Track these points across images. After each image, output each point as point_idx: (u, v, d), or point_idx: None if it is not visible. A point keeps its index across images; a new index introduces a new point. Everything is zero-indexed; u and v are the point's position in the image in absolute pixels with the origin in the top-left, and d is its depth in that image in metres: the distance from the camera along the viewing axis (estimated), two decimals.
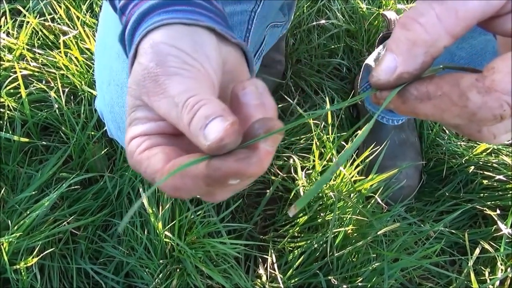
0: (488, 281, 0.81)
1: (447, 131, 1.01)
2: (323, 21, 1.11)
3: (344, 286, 0.77)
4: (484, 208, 0.90)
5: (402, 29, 0.23)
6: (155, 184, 0.25)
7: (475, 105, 0.21)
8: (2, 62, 0.88)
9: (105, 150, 0.85)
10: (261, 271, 0.81)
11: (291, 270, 0.79)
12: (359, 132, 0.93)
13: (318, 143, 0.87)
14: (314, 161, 0.88)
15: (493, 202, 0.90)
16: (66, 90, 0.88)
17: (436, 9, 0.22)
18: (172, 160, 0.26)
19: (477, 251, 0.81)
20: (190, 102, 0.25)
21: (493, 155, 0.96)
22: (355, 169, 0.84)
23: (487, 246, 0.83)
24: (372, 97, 0.26)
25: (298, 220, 0.84)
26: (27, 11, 0.95)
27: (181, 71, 0.26)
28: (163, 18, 0.29)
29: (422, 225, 0.88)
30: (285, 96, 1.00)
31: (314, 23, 1.10)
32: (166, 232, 0.75)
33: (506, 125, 0.24)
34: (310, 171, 0.89)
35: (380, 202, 0.83)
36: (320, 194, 0.85)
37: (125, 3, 0.33)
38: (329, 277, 0.78)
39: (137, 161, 0.27)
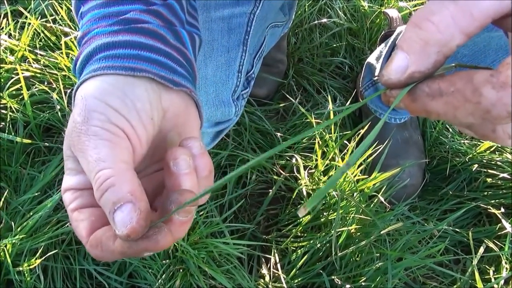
0: (493, 280, 0.80)
1: (450, 129, 1.00)
2: (324, 20, 1.10)
3: (348, 285, 0.77)
4: (488, 207, 0.89)
5: (415, 28, 0.22)
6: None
7: (489, 101, 0.20)
8: (4, 64, 0.88)
9: None
10: (264, 271, 0.81)
11: (294, 270, 0.79)
12: (362, 131, 0.93)
13: (320, 142, 0.87)
14: (316, 160, 0.87)
15: (497, 201, 0.90)
16: (68, 91, 0.88)
17: (450, 8, 0.21)
18: (95, 230, 0.28)
19: (481, 250, 0.80)
20: (100, 177, 0.26)
21: (497, 153, 0.95)
22: (357, 168, 0.83)
23: (491, 245, 0.83)
24: (382, 96, 0.26)
25: (301, 219, 0.84)
26: (28, 12, 0.95)
27: (101, 132, 0.27)
28: (100, 67, 0.29)
29: (425, 224, 0.88)
30: (287, 95, 1.00)
31: (316, 21, 1.10)
32: None
33: None
34: (313, 171, 0.88)
35: (383, 201, 0.82)
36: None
37: (81, 37, 0.33)
38: (333, 277, 0.78)
39: (70, 217, 0.29)
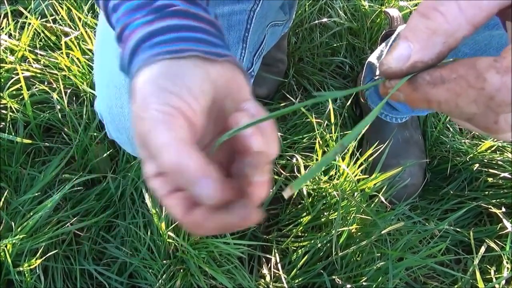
0: (494, 280, 0.80)
1: (451, 129, 1.00)
2: (325, 19, 1.10)
3: (349, 285, 0.77)
4: (489, 206, 0.89)
5: (421, 18, 0.22)
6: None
7: (493, 87, 0.20)
8: (4, 64, 0.88)
9: (108, 151, 0.85)
10: (264, 271, 0.81)
11: (295, 270, 0.79)
12: (363, 130, 0.93)
13: (321, 142, 0.87)
14: (317, 160, 0.87)
15: (498, 200, 0.90)
16: (68, 91, 0.88)
17: None
18: (190, 212, 0.29)
19: (483, 249, 0.80)
20: (165, 164, 0.27)
21: (497, 152, 0.95)
22: (358, 168, 0.83)
23: (492, 245, 0.83)
24: (380, 87, 0.25)
25: (301, 219, 0.84)
26: (28, 12, 0.95)
27: (158, 116, 0.28)
28: (146, 57, 0.31)
29: (426, 224, 0.87)
30: (287, 95, 0.99)
31: (316, 21, 1.10)
32: (170, 233, 0.75)
33: None
34: None
35: (384, 201, 0.82)
36: (324, 194, 0.84)
37: (121, 31, 0.34)
38: (333, 277, 0.77)
39: (162, 202, 0.30)
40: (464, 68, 0.21)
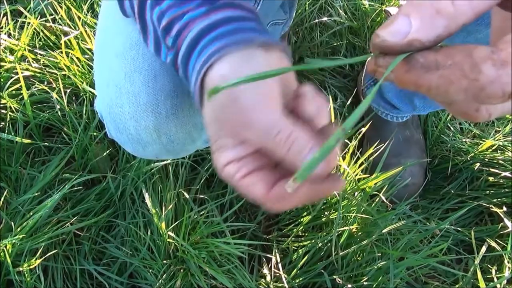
0: (495, 279, 0.80)
1: (451, 128, 1.00)
2: (325, 19, 1.10)
3: (349, 285, 0.77)
4: (490, 206, 0.89)
5: None
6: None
7: (487, 79, 0.19)
8: (3, 64, 0.88)
9: (107, 151, 0.84)
10: (265, 270, 0.81)
11: (295, 270, 0.79)
12: (364, 129, 0.92)
13: None
14: None
15: (499, 199, 0.89)
16: (68, 90, 0.87)
17: None
18: (271, 189, 0.30)
19: (484, 249, 0.80)
20: (282, 138, 0.28)
21: (498, 151, 0.95)
22: (359, 167, 0.83)
23: (493, 244, 0.82)
24: (368, 63, 0.24)
25: (302, 219, 0.84)
26: (28, 12, 0.95)
27: (256, 100, 0.29)
28: (218, 48, 0.31)
29: (427, 223, 0.87)
30: None
31: (316, 20, 1.10)
32: (170, 233, 0.75)
33: (506, 105, 0.23)
34: None
35: (384, 200, 0.82)
36: None
37: (169, 24, 0.34)
38: (334, 277, 0.77)
39: (239, 186, 0.31)
40: (460, 55, 0.20)
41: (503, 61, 0.19)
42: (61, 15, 0.95)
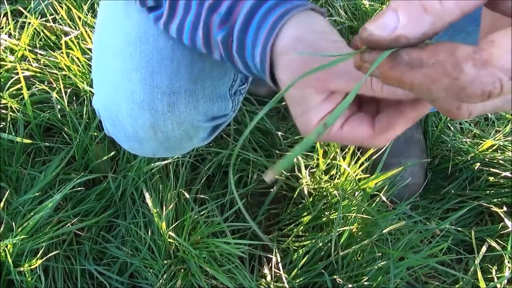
0: (496, 279, 0.80)
1: (452, 128, 1.00)
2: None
3: (350, 285, 0.77)
4: (491, 205, 0.89)
5: None
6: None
7: (467, 78, 0.19)
8: (4, 64, 0.88)
9: (108, 151, 0.85)
10: (265, 270, 0.81)
11: (295, 270, 0.79)
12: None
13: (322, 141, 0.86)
14: (318, 159, 0.87)
15: (499, 199, 0.89)
16: (68, 90, 0.87)
17: None
18: (375, 124, 0.32)
19: (484, 249, 0.80)
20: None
21: (499, 151, 0.95)
22: (359, 167, 0.83)
23: (494, 244, 0.82)
24: (354, 59, 0.24)
25: (302, 219, 0.84)
26: (28, 12, 0.95)
27: (335, 49, 0.31)
28: (281, 14, 0.33)
29: (427, 223, 0.87)
30: None
31: None
32: (170, 233, 0.75)
33: (487, 104, 0.23)
34: (314, 170, 0.88)
35: (385, 200, 0.82)
36: (325, 193, 0.84)
37: (215, 2, 0.36)
38: (334, 276, 0.77)
39: (338, 137, 0.32)
40: (444, 54, 0.20)
41: (484, 61, 0.19)
42: (62, 15, 0.95)
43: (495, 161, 0.94)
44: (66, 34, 0.93)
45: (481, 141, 0.97)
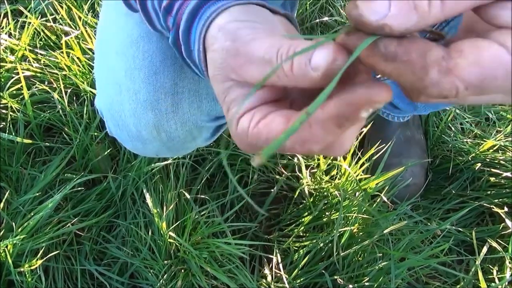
0: (497, 280, 0.80)
1: (453, 128, 1.00)
2: (326, 18, 1.10)
3: (350, 286, 0.77)
4: (492, 206, 0.89)
5: None
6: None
7: (430, 81, 0.22)
8: (4, 64, 0.88)
9: (108, 151, 0.84)
10: (266, 271, 0.81)
11: (296, 270, 0.79)
12: (365, 130, 0.92)
13: None
14: (318, 159, 0.87)
15: (500, 200, 0.89)
16: (69, 90, 0.87)
17: None
18: (292, 118, 0.26)
19: (485, 249, 0.80)
20: (283, 51, 0.25)
21: (500, 152, 0.95)
22: (360, 167, 0.83)
23: (495, 245, 0.82)
24: (340, 36, 0.24)
25: (303, 219, 0.84)
26: (28, 11, 0.94)
27: (257, 35, 0.27)
28: (218, 7, 0.30)
29: (428, 224, 0.87)
30: None
31: (317, 20, 1.09)
32: (171, 233, 0.75)
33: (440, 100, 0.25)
34: (315, 170, 0.88)
35: (386, 200, 0.82)
36: (325, 193, 0.84)
37: (170, 3, 0.34)
38: (335, 277, 0.77)
39: (255, 134, 0.27)
40: (415, 54, 0.22)
41: (448, 69, 0.21)
42: (62, 15, 0.95)
43: (496, 161, 0.94)
44: (66, 34, 0.93)
45: (482, 142, 0.97)
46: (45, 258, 0.72)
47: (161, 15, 0.35)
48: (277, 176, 0.89)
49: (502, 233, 0.86)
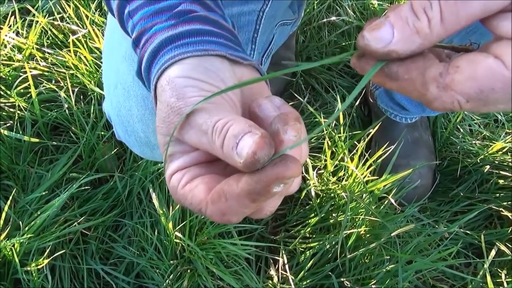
0: (505, 283, 0.79)
1: (461, 129, 0.99)
2: (333, 18, 1.09)
3: None
4: (500, 209, 0.88)
5: (412, 15, 0.23)
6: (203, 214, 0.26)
7: (432, 96, 0.24)
8: (12, 62, 0.88)
9: (115, 150, 0.84)
10: (272, 272, 0.80)
11: (302, 272, 0.78)
12: (372, 131, 0.91)
13: (329, 142, 0.86)
14: (325, 160, 0.86)
15: (509, 202, 0.88)
16: (76, 89, 0.87)
17: (442, 6, 0.22)
18: (213, 188, 0.27)
19: (493, 252, 0.79)
20: (218, 126, 0.26)
21: (509, 154, 0.94)
22: (367, 169, 0.82)
23: (503, 248, 0.81)
24: (353, 58, 0.26)
25: (309, 220, 0.83)
26: (36, 10, 0.94)
27: (201, 98, 0.28)
28: (175, 55, 0.30)
29: (436, 226, 0.86)
30: (295, 95, 0.98)
31: (325, 20, 1.09)
32: (177, 233, 0.75)
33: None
34: (322, 171, 0.87)
35: (393, 202, 0.81)
36: (332, 195, 0.83)
37: (138, 36, 0.34)
38: (342, 279, 0.77)
39: (181, 196, 0.28)
40: (415, 73, 0.24)
41: (446, 85, 0.23)
42: (69, 14, 0.95)
43: (505, 163, 0.93)
44: (73, 32, 0.93)
45: (490, 143, 0.96)
46: (51, 257, 0.72)
47: (131, 43, 0.35)
48: None
49: (511, 236, 0.85)
